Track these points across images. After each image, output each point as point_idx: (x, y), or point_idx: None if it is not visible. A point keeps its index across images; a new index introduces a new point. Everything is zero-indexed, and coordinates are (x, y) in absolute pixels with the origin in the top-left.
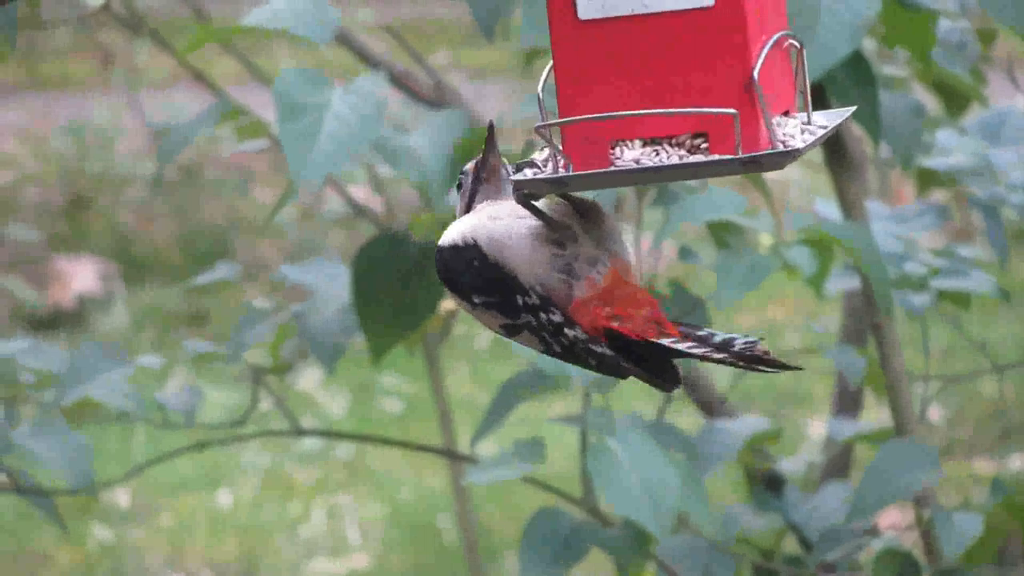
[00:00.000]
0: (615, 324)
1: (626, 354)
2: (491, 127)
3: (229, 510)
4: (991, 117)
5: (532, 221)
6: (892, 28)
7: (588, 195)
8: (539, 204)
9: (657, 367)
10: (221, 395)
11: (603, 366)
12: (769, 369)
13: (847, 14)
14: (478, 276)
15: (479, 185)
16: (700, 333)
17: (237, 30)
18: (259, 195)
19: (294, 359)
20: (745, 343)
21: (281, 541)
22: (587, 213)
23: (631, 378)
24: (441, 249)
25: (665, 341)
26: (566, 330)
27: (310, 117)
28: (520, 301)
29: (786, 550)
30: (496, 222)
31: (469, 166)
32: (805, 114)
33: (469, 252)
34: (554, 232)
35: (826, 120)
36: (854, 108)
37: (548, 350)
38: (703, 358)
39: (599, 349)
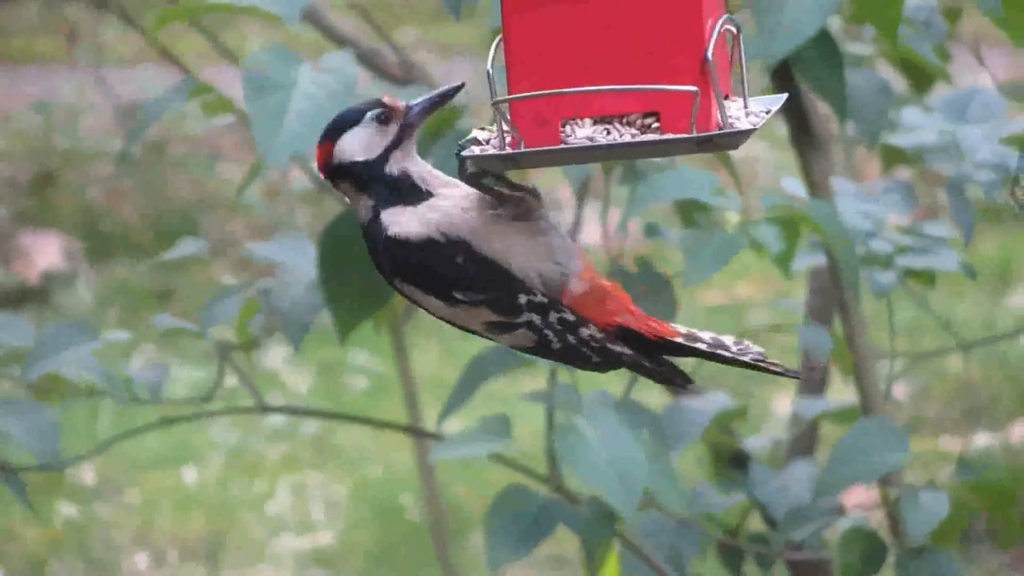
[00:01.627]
0: (625, 320)
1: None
2: (461, 86)
3: (196, 487)
4: (957, 95)
5: (511, 210)
6: (859, 6)
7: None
8: (489, 185)
9: (664, 365)
10: (188, 372)
11: (609, 363)
12: (771, 371)
13: None
14: (464, 273)
15: (405, 134)
16: (684, 330)
17: (206, 8)
18: (226, 172)
19: (261, 336)
20: (737, 344)
21: (247, 518)
22: (534, 199)
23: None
24: (404, 243)
25: (679, 339)
26: (580, 329)
27: (278, 95)
28: (524, 300)
29: (752, 528)
30: (470, 213)
31: (392, 101)
32: (742, 99)
33: (451, 248)
34: (529, 219)
35: (762, 106)
36: (786, 96)
37: (542, 349)
38: (712, 357)
39: (618, 348)
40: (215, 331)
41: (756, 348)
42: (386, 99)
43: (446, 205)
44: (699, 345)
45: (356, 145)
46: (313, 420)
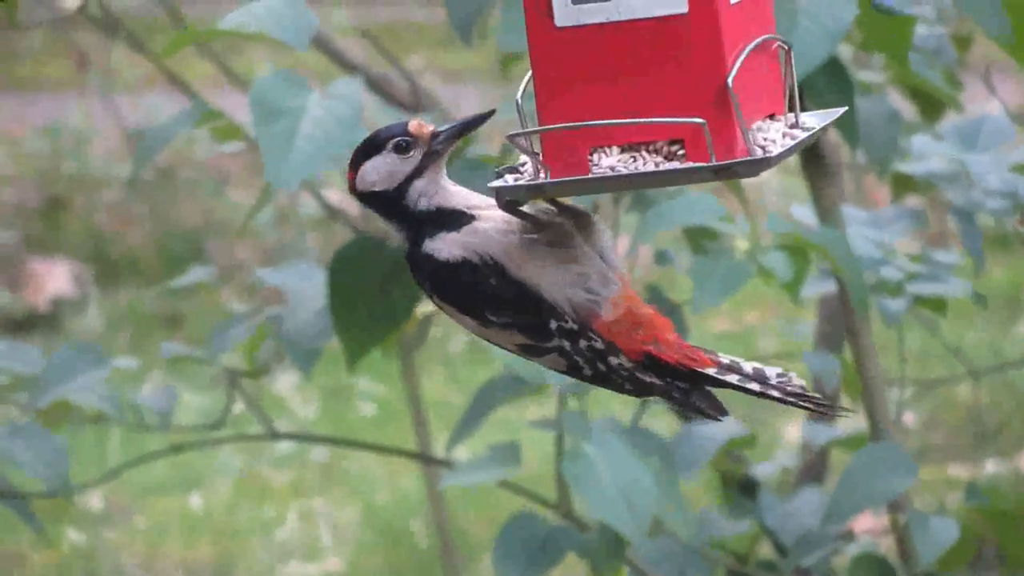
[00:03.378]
0: (655, 350)
1: (666, 379)
2: (491, 114)
3: (204, 513)
4: (967, 122)
5: (547, 236)
6: (869, 33)
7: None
8: (528, 211)
9: (700, 396)
10: (196, 398)
11: (640, 391)
12: (810, 407)
13: (824, 19)
14: (497, 295)
15: (430, 161)
16: (726, 361)
17: (215, 33)
18: (235, 197)
19: (270, 362)
20: (779, 376)
21: (255, 544)
22: (580, 223)
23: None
24: (444, 264)
25: (710, 371)
26: (610, 358)
27: (287, 120)
28: (554, 325)
29: (761, 555)
30: (507, 237)
31: (417, 127)
32: (792, 116)
33: (486, 270)
34: (564, 245)
35: (814, 121)
36: (843, 109)
37: (576, 373)
38: (745, 390)
39: (647, 379)
40: (224, 357)
41: (799, 381)
42: (412, 125)
43: (486, 228)
44: (731, 378)
45: (375, 176)
46: (321, 446)
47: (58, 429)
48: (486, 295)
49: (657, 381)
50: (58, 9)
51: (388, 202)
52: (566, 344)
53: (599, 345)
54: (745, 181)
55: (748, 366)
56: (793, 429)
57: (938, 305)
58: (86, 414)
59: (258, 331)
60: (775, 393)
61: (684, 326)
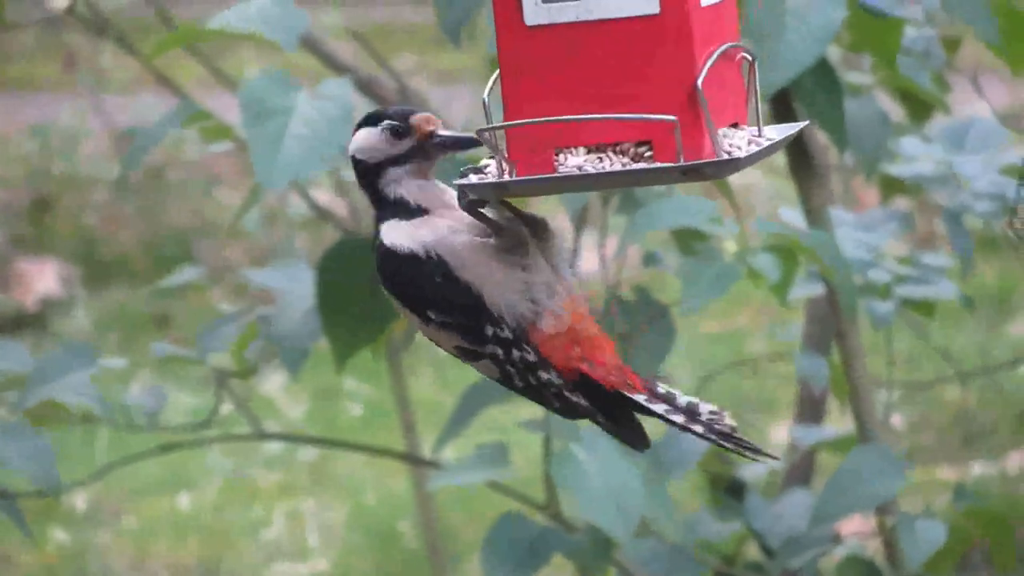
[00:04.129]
0: (588, 369)
1: (595, 402)
2: (480, 144)
3: (192, 513)
4: (955, 125)
5: (500, 241)
6: (858, 35)
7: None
8: (488, 215)
9: (626, 422)
10: (185, 398)
11: (568, 411)
12: (739, 450)
13: (813, 21)
14: (438, 293)
15: (415, 156)
16: (661, 390)
17: (204, 34)
18: (224, 197)
19: (258, 362)
20: (711, 414)
21: (243, 544)
22: (535, 229)
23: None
24: (392, 254)
25: (640, 398)
26: (540, 372)
27: (276, 121)
28: (490, 331)
29: (748, 556)
30: (458, 236)
31: (421, 121)
32: (756, 128)
33: (431, 266)
34: (516, 253)
35: (777, 134)
36: (804, 123)
37: (507, 382)
38: (669, 422)
39: (574, 398)
40: (212, 358)
41: (729, 421)
42: (416, 117)
43: (438, 224)
44: (658, 407)
45: (364, 144)
46: (310, 447)
47: (47, 429)
48: (429, 292)
49: (582, 403)
50: (48, 9)
51: (365, 174)
52: (499, 352)
53: (531, 358)
54: (733, 183)
55: (684, 399)
56: (780, 431)
57: (926, 307)
58: (75, 414)
59: (247, 331)
60: (698, 428)
61: (673, 328)
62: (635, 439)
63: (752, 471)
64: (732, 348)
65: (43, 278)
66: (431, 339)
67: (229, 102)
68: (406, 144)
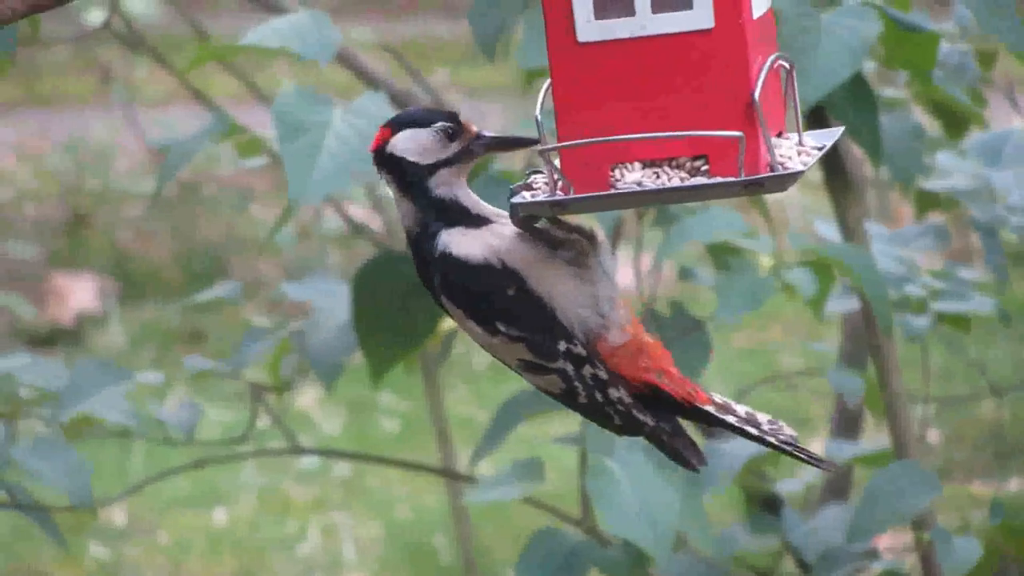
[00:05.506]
0: (657, 380)
1: (660, 418)
2: (535, 141)
3: (226, 528)
4: (991, 139)
5: (565, 254)
6: (892, 50)
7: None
8: (544, 228)
9: (682, 438)
10: (219, 413)
11: (633, 430)
12: (801, 458)
13: (847, 36)
14: (510, 306)
15: (463, 157)
16: (720, 400)
17: (238, 49)
18: (257, 213)
19: (293, 377)
20: (770, 423)
21: (278, 559)
22: (591, 244)
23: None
24: (463, 264)
25: (710, 408)
26: (610, 390)
27: (310, 136)
28: (563, 347)
29: (784, 571)
30: (529, 247)
31: (467, 122)
32: (796, 135)
33: (505, 277)
34: (579, 265)
35: (817, 140)
36: (842, 128)
37: (570, 399)
38: (741, 432)
39: (642, 417)
40: (247, 372)
41: (789, 431)
42: (462, 117)
43: (506, 234)
44: (729, 418)
45: (412, 144)
46: (344, 461)
47: (82, 444)
48: (501, 304)
49: (650, 422)
50: (82, 25)
51: (409, 175)
52: (570, 368)
53: (603, 375)
54: (768, 197)
55: (742, 409)
56: (816, 446)
57: (961, 322)
58: (109, 429)
59: (281, 346)
60: (770, 440)
61: (708, 342)
62: (692, 455)
63: (788, 486)
64: (765, 363)
65: (78, 293)
66: (492, 351)
67: (263, 116)
68: (456, 146)
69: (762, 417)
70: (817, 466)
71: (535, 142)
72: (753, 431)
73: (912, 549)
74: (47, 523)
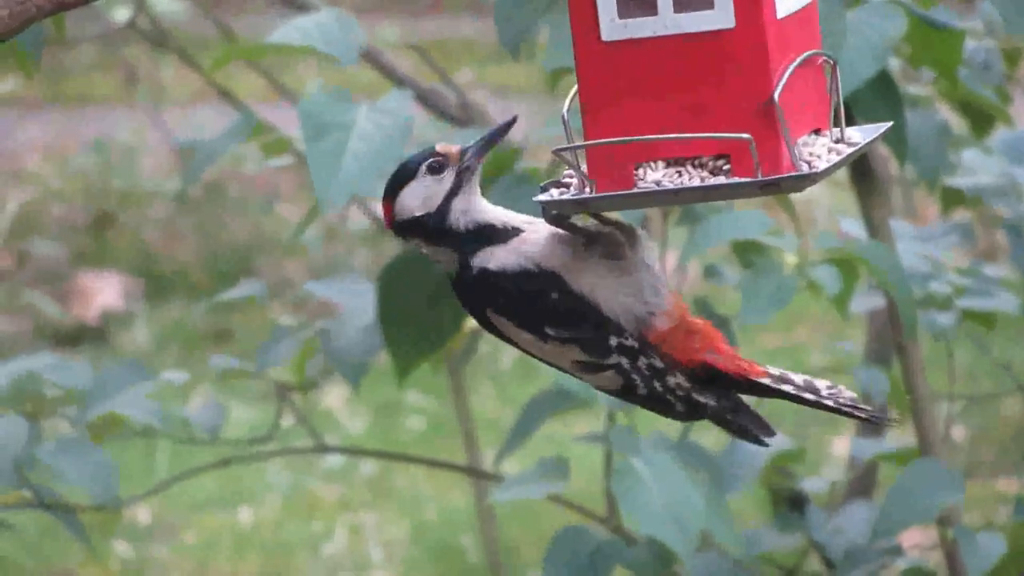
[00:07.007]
0: (712, 359)
1: (721, 398)
2: (514, 120)
3: (252, 527)
4: (1016, 136)
5: (600, 248)
6: (918, 47)
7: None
8: (577, 224)
9: (746, 415)
10: (245, 412)
11: (695, 413)
12: (864, 417)
13: (873, 34)
14: (556, 308)
15: (464, 178)
16: (776, 372)
17: (263, 48)
18: (283, 212)
19: (319, 376)
20: (830, 388)
21: (303, 559)
22: (627, 235)
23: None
24: (501, 275)
25: (765, 380)
26: (668, 377)
27: (336, 136)
28: (614, 342)
29: (809, 569)
30: (563, 247)
31: (444, 148)
32: (837, 131)
33: (544, 280)
34: (616, 256)
35: (860, 136)
36: (888, 124)
37: (630, 393)
38: (800, 400)
39: (703, 399)
40: (273, 372)
41: (849, 393)
42: (439, 147)
43: (538, 239)
44: (787, 387)
45: (414, 201)
46: (370, 461)
47: (107, 443)
48: (545, 307)
49: (711, 402)
50: (108, 24)
51: (430, 226)
52: (624, 362)
53: (659, 364)
54: (794, 196)
55: (799, 378)
56: (841, 444)
57: (987, 320)
58: (135, 428)
59: (307, 345)
60: (829, 403)
61: (734, 341)
62: (760, 429)
63: (813, 484)
64: (791, 362)
65: (104, 293)
66: (545, 358)
67: (289, 115)
68: (450, 174)
69: (821, 383)
70: (881, 422)
71: (511, 125)
72: (811, 397)
73: (937, 546)
74: (73, 523)
